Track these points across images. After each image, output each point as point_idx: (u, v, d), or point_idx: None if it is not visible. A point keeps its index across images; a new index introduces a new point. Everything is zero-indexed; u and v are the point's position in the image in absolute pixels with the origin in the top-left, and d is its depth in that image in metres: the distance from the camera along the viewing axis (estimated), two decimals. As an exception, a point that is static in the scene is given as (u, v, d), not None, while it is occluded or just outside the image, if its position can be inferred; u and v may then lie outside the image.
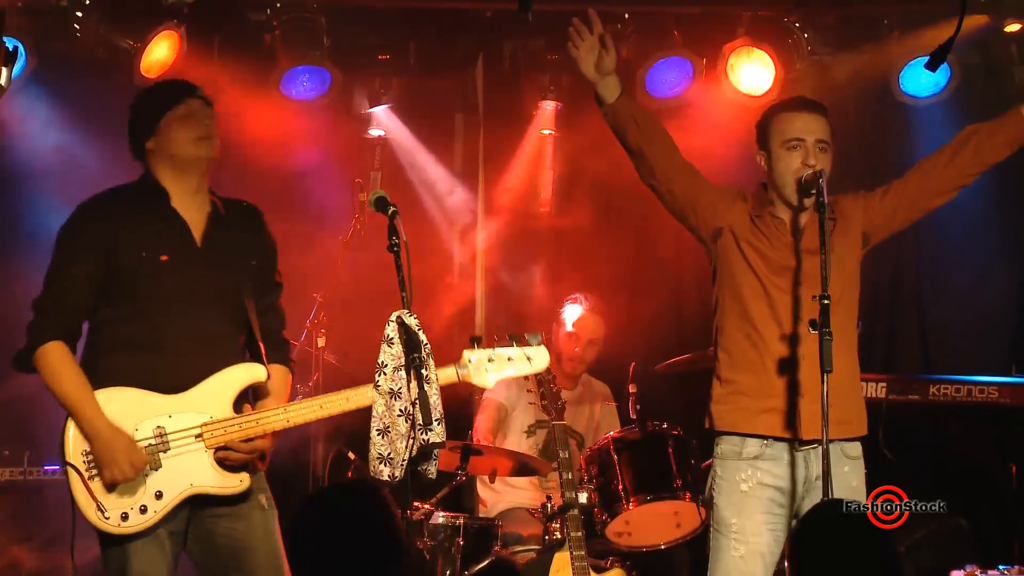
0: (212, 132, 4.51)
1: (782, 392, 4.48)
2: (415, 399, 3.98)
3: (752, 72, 6.83)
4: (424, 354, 4.04)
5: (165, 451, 4.32)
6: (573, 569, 5.32)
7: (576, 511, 5.41)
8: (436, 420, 3.99)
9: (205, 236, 4.51)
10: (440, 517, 5.81)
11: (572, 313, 6.51)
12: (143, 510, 4.29)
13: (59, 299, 4.41)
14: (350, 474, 6.26)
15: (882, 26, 6.98)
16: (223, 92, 6.62)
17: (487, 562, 5.67)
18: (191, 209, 4.52)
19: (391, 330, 4.07)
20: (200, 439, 4.33)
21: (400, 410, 4.02)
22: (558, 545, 5.48)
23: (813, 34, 6.97)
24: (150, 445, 4.30)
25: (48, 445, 6.53)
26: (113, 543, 4.34)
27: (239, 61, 6.78)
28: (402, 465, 4.01)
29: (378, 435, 4.04)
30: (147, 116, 4.56)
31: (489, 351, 4.35)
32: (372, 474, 4.06)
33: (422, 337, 4.05)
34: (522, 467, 6.02)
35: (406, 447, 4.00)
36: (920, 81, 6.85)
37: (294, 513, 3.42)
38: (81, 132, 6.78)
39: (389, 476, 4.02)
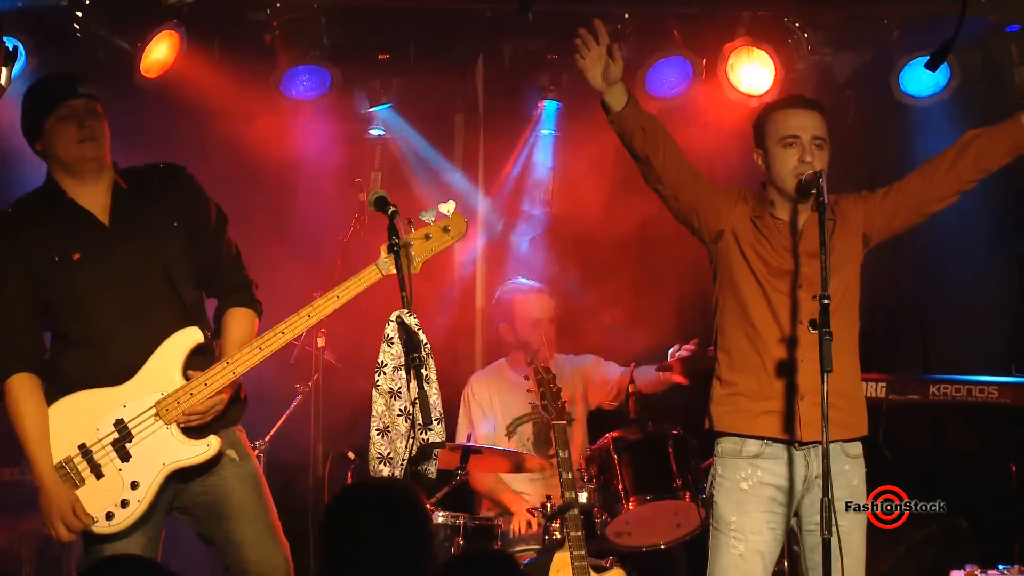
0: (96, 132, 4.47)
1: (782, 394, 4.48)
2: (415, 399, 3.99)
3: (752, 72, 6.82)
4: (424, 354, 4.04)
5: (130, 440, 4.37)
6: (573, 569, 5.32)
7: (576, 511, 5.41)
8: (436, 420, 4.00)
9: (112, 217, 4.49)
10: (440, 517, 5.81)
11: (523, 304, 6.43)
12: (124, 504, 4.35)
13: (8, 329, 4.43)
14: (350, 474, 6.27)
15: (882, 26, 6.98)
16: (223, 92, 6.63)
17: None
18: (93, 195, 4.50)
19: (391, 329, 4.08)
20: (158, 418, 4.37)
21: (400, 410, 4.03)
22: (558, 545, 5.48)
23: (813, 34, 6.96)
24: (113, 440, 4.35)
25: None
26: (96, 543, 4.40)
27: (239, 61, 6.77)
28: (402, 465, 4.01)
29: (378, 435, 4.04)
30: (32, 118, 4.55)
31: (404, 239, 4.27)
32: (371, 474, 4.06)
33: (422, 337, 4.06)
34: (518, 466, 6.03)
35: (406, 447, 4.01)
36: (920, 81, 6.84)
37: (326, 509, 3.43)
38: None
39: (389, 476, 4.03)
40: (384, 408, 4.05)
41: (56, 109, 4.48)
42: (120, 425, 4.37)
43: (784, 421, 4.47)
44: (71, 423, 4.37)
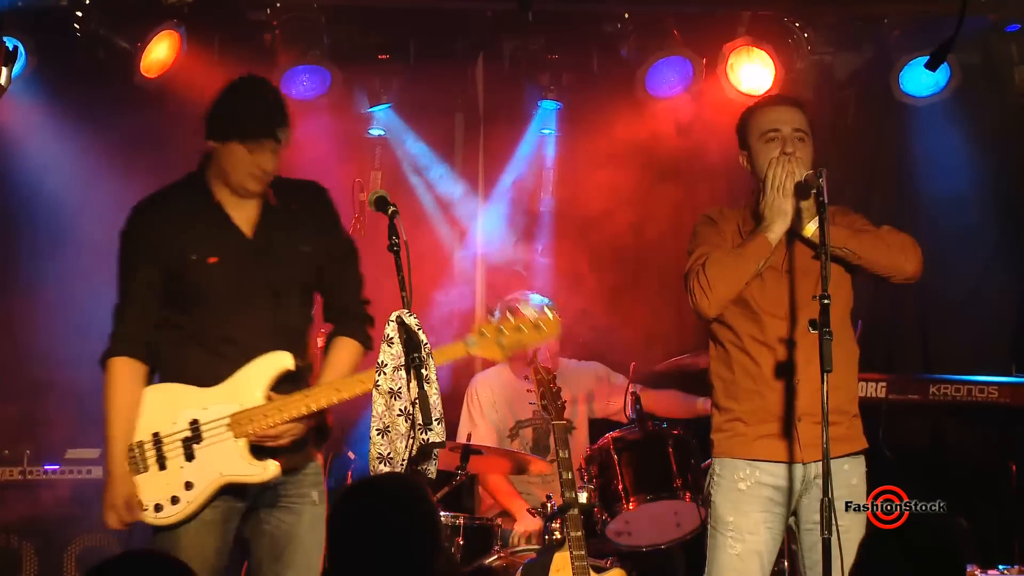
0: (269, 176, 4.51)
1: (779, 417, 4.47)
2: (415, 399, 3.99)
3: (752, 72, 6.82)
4: (424, 354, 4.04)
5: (199, 442, 4.43)
6: (573, 569, 5.32)
7: (576, 511, 5.40)
8: (436, 420, 4.00)
9: (256, 232, 4.56)
10: (440, 517, 5.80)
11: None
12: (174, 500, 4.42)
13: (129, 309, 4.52)
14: (350, 474, 6.27)
15: (882, 26, 6.98)
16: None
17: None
18: (243, 206, 4.56)
19: (391, 330, 4.07)
20: (229, 429, 4.42)
21: (400, 410, 4.02)
22: (558, 545, 5.48)
23: (813, 34, 6.96)
24: (185, 438, 4.42)
25: (48, 445, 6.54)
26: (161, 530, 4.46)
27: (239, 61, 6.75)
28: (402, 465, 4.01)
29: (378, 435, 4.04)
30: (226, 124, 4.52)
31: (499, 322, 4.40)
32: (372, 474, 4.06)
33: (422, 337, 4.06)
34: (519, 467, 6.03)
35: (406, 447, 4.01)
36: (920, 81, 6.84)
37: (337, 500, 3.44)
38: (81, 131, 6.78)
39: (390, 475, 4.03)
40: (384, 408, 4.05)
41: (253, 138, 4.47)
42: (194, 425, 4.43)
43: (782, 444, 4.47)
44: (154, 410, 4.46)
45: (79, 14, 6.51)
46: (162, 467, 4.43)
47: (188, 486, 4.42)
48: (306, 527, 4.53)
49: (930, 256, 7.30)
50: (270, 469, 4.43)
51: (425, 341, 4.06)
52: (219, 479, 4.43)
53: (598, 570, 5.50)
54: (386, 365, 4.06)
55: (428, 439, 3.99)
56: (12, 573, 6.26)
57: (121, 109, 6.78)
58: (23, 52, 6.22)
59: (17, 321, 6.81)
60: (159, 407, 4.46)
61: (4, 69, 5.91)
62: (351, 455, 6.27)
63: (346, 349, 4.61)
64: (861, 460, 4.58)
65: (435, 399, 4.02)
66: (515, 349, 4.47)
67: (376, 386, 4.07)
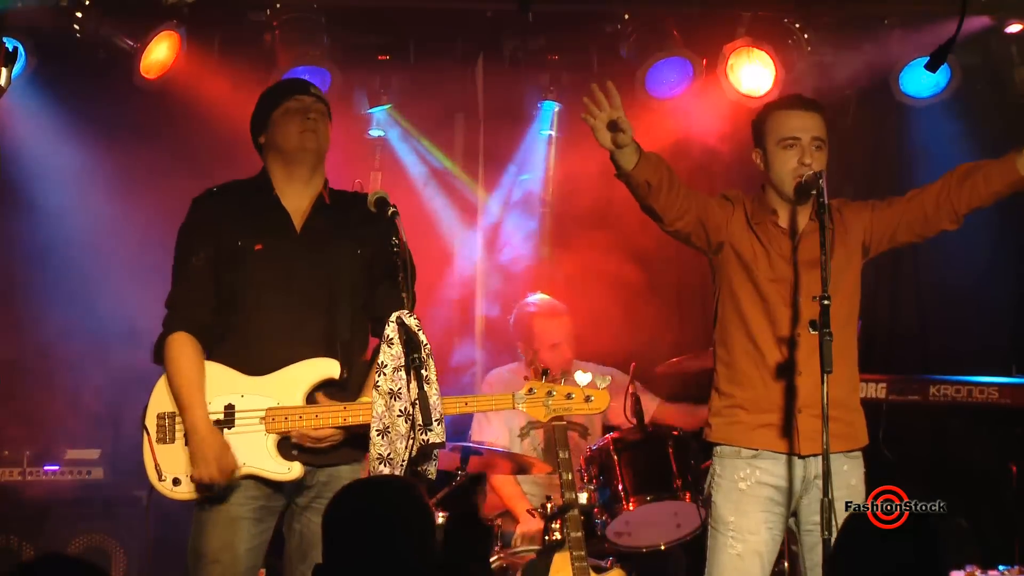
0: (318, 126, 4.63)
1: (780, 407, 4.48)
2: (415, 399, 3.99)
3: (752, 72, 6.82)
4: (424, 354, 4.04)
5: (230, 427, 4.45)
6: (573, 569, 5.32)
7: (576, 511, 5.40)
8: (436, 420, 4.00)
9: (306, 225, 4.58)
10: (440, 517, 5.79)
11: (543, 327, 6.31)
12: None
13: (184, 293, 4.55)
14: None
15: (882, 26, 6.98)
16: (223, 92, 6.62)
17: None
18: (297, 198, 4.61)
19: (391, 330, 4.08)
20: (262, 422, 4.42)
21: (400, 410, 4.03)
22: (558, 545, 5.48)
23: (813, 34, 6.96)
24: (217, 420, 4.44)
25: (48, 445, 6.54)
26: (197, 513, 4.49)
27: (239, 61, 6.77)
28: (402, 465, 4.01)
29: (378, 435, 4.05)
30: (261, 111, 4.69)
31: (550, 385, 4.46)
32: (371, 474, 4.06)
33: (422, 337, 4.06)
34: (520, 468, 6.02)
35: (406, 447, 4.01)
36: (920, 81, 6.84)
37: (332, 503, 3.44)
38: (81, 132, 6.78)
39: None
40: (384, 409, 4.05)
41: (286, 102, 4.64)
42: (229, 410, 4.45)
43: (782, 434, 4.47)
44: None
45: (79, 14, 6.51)
46: (187, 442, 4.44)
47: None
48: None
49: (930, 256, 7.33)
50: (294, 470, 4.44)
51: (425, 342, 4.06)
52: (242, 468, 4.42)
53: (598, 571, 5.51)
54: (386, 366, 4.06)
55: (428, 440, 4.00)
56: (12, 573, 6.25)
57: (121, 109, 6.78)
58: (23, 52, 6.22)
59: (17, 321, 6.80)
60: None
61: (4, 70, 5.88)
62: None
63: None
64: (860, 461, 4.59)
65: (435, 400, 4.03)
66: (560, 413, 4.52)
67: (376, 387, 4.07)
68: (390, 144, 7.32)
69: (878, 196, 4.74)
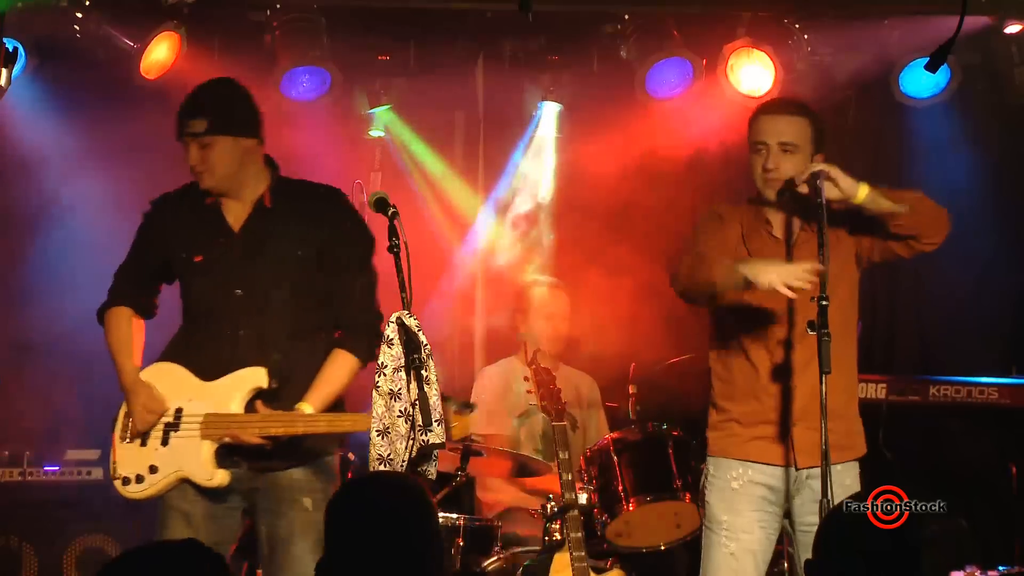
0: (207, 163, 4.61)
1: (775, 421, 4.48)
2: (415, 400, 3.99)
3: (752, 72, 6.82)
4: (424, 355, 4.04)
5: (176, 431, 4.54)
6: (573, 570, 5.32)
7: (576, 512, 5.40)
8: (436, 421, 4.00)
9: (243, 233, 4.63)
10: (439, 517, 5.80)
11: (539, 295, 6.51)
12: (139, 479, 4.57)
13: (126, 275, 4.81)
14: (350, 475, 6.26)
15: (882, 26, 6.97)
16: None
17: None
18: (237, 205, 4.66)
19: (391, 331, 4.07)
20: (200, 427, 4.51)
21: (400, 411, 4.03)
22: (558, 546, 5.48)
23: (813, 34, 6.96)
24: (166, 423, 4.54)
25: (48, 446, 6.54)
26: (159, 512, 4.62)
27: (239, 61, 6.76)
28: (402, 466, 4.01)
29: (378, 436, 4.04)
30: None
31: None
32: (372, 475, 4.06)
33: (422, 338, 4.06)
34: (521, 468, 6.02)
35: (406, 448, 4.01)
36: (920, 82, 6.84)
37: (334, 497, 3.45)
38: (81, 132, 6.78)
39: (389, 476, 4.03)
40: (384, 409, 4.05)
41: (178, 137, 4.67)
42: (178, 414, 4.55)
43: (777, 448, 4.47)
44: (158, 384, 4.61)
45: (79, 14, 6.50)
46: (143, 443, 4.58)
47: (152, 470, 4.55)
48: (297, 533, 4.57)
49: (930, 256, 7.32)
50: (216, 478, 4.52)
51: (425, 342, 4.06)
52: (177, 473, 4.54)
53: (598, 571, 5.50)
54: (386, 366, 4.06)
55: (428, 440, 4.00)
56: (12, 573, 6.26)
57: (121, 109, 6.77)
58: (23, 52, 6.22)
59: (17, 321, 6.80)
60: (161, 383, 4.60)
61: (4, 70, 5.90)
62: (351, 456, 6.26)
63: (339, 364, 4.62)
64: (855, 463, 4.58)
65: (435, 400, 4.03)
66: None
67: (376, 387, 4.07)
68: (390, 144, 7.32)
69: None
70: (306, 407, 4.51)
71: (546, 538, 5.64)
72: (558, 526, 5.55)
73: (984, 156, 7.19)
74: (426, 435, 3.99)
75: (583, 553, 5.34)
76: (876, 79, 7.03)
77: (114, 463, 4.65)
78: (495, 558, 5.78)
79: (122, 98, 6.75)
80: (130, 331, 4.72)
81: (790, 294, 4.17)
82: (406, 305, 4.12)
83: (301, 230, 4.62)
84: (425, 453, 4.01)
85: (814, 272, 4.16)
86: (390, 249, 4.21)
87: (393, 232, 4.20)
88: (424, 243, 7.04)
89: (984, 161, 7.18)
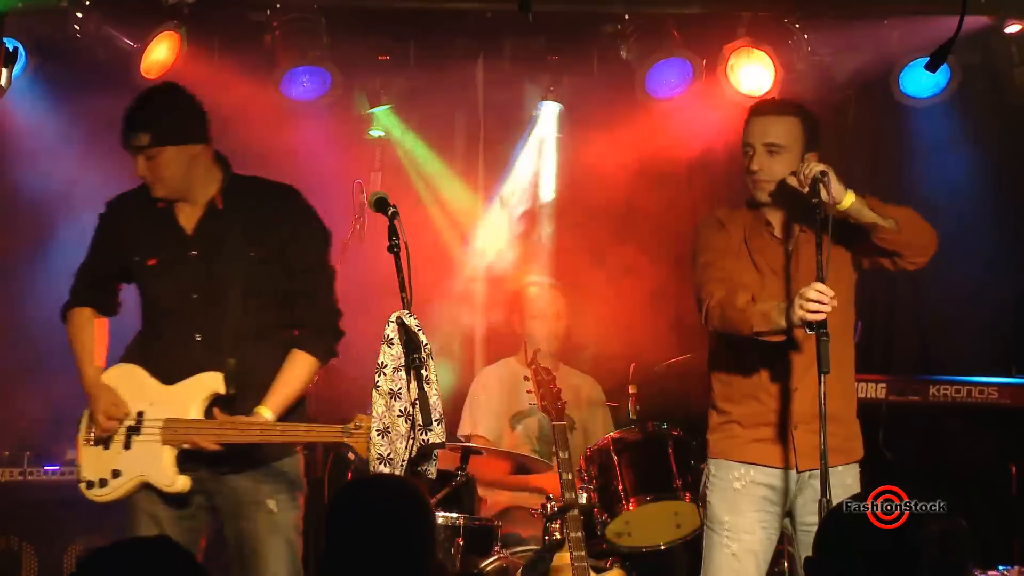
0: (157, 172, 4.60)
1: (775, 423, 4.48)
2: (415, 399, 3.99)
3: (752, 73, 6.81)
4: (424, 355, 4.05)
5: (137, 434, 4.56)
6: (573, 570, 5.31)
7: (576, 512, 5.40)
8: (436, 420, 4.00)
9: (195, 235, 4.62)
10: (440, 517, 5.80)
11: (533, 295, 6.58)
12: (103, 483, 4.59)
13: (84, 276, 4.82)
14: (350, 475, 6.26)
15: (882, 26, 6.97)
16: (223, 92, 6.62)
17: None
18: (189, 207, 4.65)
19: (391, 331, 4.08)
20: (161, 432, 4.52)
21: (400, 411, 4.03)
22: (558, 546, 5.48)
23: (813, 34, 6.95)
24: (128, 427, 4.55)
25: (48, 446, 6.53)
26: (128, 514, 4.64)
27: (239, 61, 6.77)
28: (402, 465, 4.01)
29: (378, 435, 4.05)
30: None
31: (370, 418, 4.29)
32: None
33: (422, 338, 4.06)
34: (521, 468, 6.02)
35: (406, 447, 4.01)
36: (920, 82, 6.83)
37: (331, 499, 3.47)
38: (81, 132, 6.78)
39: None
40: (384, 409, 4.05)
41: (127, 143, 4.68)
42: (140, 418, 4.55)
43: (777, 450, 4.47)
44: (120, 387, 4.61)
45: (79, 14, 6.50)
46: (107, 447, 4.59)
47: (115, 474, 4.57)
48: (263, 535, 4.58)
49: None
50: (176, 484, 4.53)
51: (425, 342, 4.06)
52: (139, 477, 4.55)
53: (598, 571, 5.50)
54: (386, 366, 4.06)
55: (428, 440, 4.00)
56: (12, 573, 6.26)
57: (121, 109, 6.76)
58: (23, 52, 6.22)
59: (17, 321, 6.80)
60: (124, 386, 4.60)
61: (4, 70, 5.91)
62: (351, 455, 6.25)
63: (297, 365, 4.62)
64: (855, 464, 4.58)
65: (435, 400, 4.03)
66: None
67: (376, 387, 4.07)
68: (390, 145, 7.32)
69: (879, 197, 4.72)
70: (265, 411, 4.51)
71: (546, 538, 5.64)
72: (558, 526, 5.55)
73: (984, 156, 7.19)
74: (426, 434, 3.99)
75: (583, 553, 5.33)
76: (876, 79, 7.03)
77: (79, 466, 4.67)
78: (495, 558, 5.78)
79: (122, 98, 6.74)
80: (92, 332, 4.73)
81: (820, 317, 4.13)
82: (406, 305, 4.12)
83: (254, 230, 4.61)
84: (425, 452, 4.01)
85: (818, 289, 4.14)
86: (390, 249, 4.21)
87: (393, 232, 4.20)
88: (424, 243, 7.04)
89: (984, 161, 7.18)
